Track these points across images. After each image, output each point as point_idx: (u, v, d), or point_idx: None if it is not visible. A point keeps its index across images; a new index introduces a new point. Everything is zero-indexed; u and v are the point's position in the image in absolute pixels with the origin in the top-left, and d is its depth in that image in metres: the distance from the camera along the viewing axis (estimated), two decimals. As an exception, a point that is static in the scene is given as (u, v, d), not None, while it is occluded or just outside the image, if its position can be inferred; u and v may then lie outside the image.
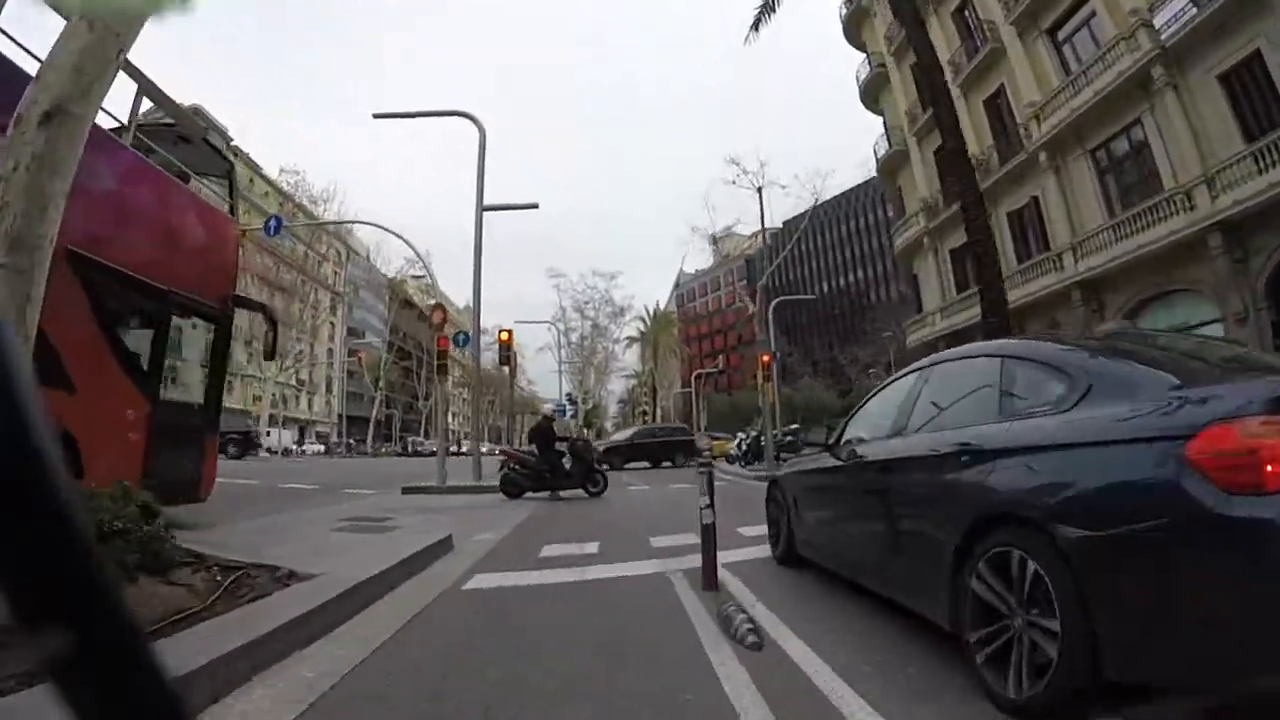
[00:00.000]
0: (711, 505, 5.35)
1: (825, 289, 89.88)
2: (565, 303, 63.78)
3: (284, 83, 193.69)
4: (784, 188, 29.01)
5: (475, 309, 17.53)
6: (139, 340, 8.23)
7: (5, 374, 0.37)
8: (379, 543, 6.88)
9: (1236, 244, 17.15)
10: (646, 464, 27.71)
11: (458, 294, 75.30)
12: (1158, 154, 19.41)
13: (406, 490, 15.25)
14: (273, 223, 21.48)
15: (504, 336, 19.35)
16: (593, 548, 7.17)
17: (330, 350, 78.97)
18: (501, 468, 14.28)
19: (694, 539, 5.85)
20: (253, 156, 62.00)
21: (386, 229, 20.77)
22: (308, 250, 66.59)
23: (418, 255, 17.51)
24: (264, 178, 61.61)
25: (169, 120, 10.12)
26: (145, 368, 8.15)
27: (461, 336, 20.60)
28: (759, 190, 23.21)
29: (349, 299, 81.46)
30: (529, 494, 13.77)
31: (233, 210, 10.43)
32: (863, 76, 33.99)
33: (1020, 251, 25.01)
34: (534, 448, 14.40)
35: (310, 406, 76.57)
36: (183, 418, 8.78)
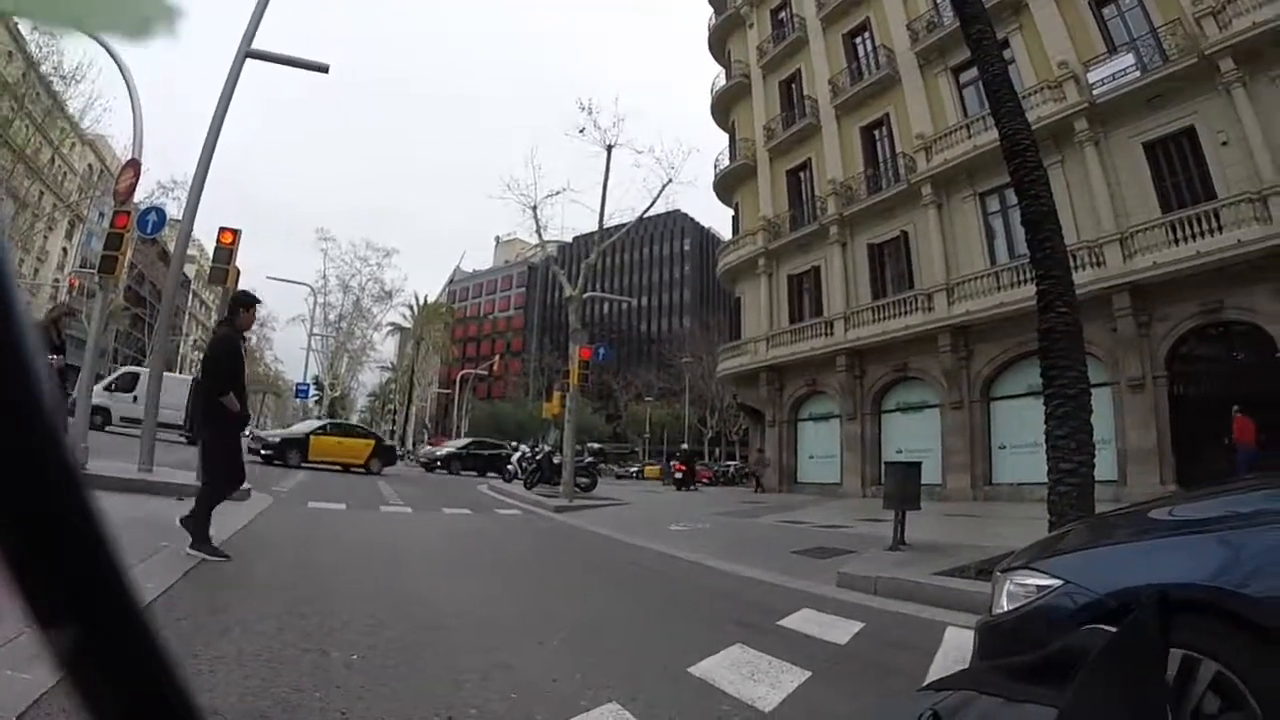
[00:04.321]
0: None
1: (606, 310, 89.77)
2: (330, 271, 58.66)
3: None
4: (639, 152, 26.99)
5: (198, 180, 12.79)
6: None
7: (18, 363, 0.36)
8: None
9: (1142, 309, 17.82)
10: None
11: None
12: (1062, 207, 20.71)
13: None
14: None
15: (226, 237, 13.38)
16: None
17: (57, 281, 67.54)
18: None
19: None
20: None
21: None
22: (55, 155, 55.38)
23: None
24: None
25: None
26: None
27: (154, 215, 13.68)
28: (609, 149, 20.96)
29: (91, 228, 69.33)
30: None
31: None
32: (719, 87, 34.31)
33: (877, 287, 25.64)
34: None
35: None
36: None
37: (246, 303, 6.97)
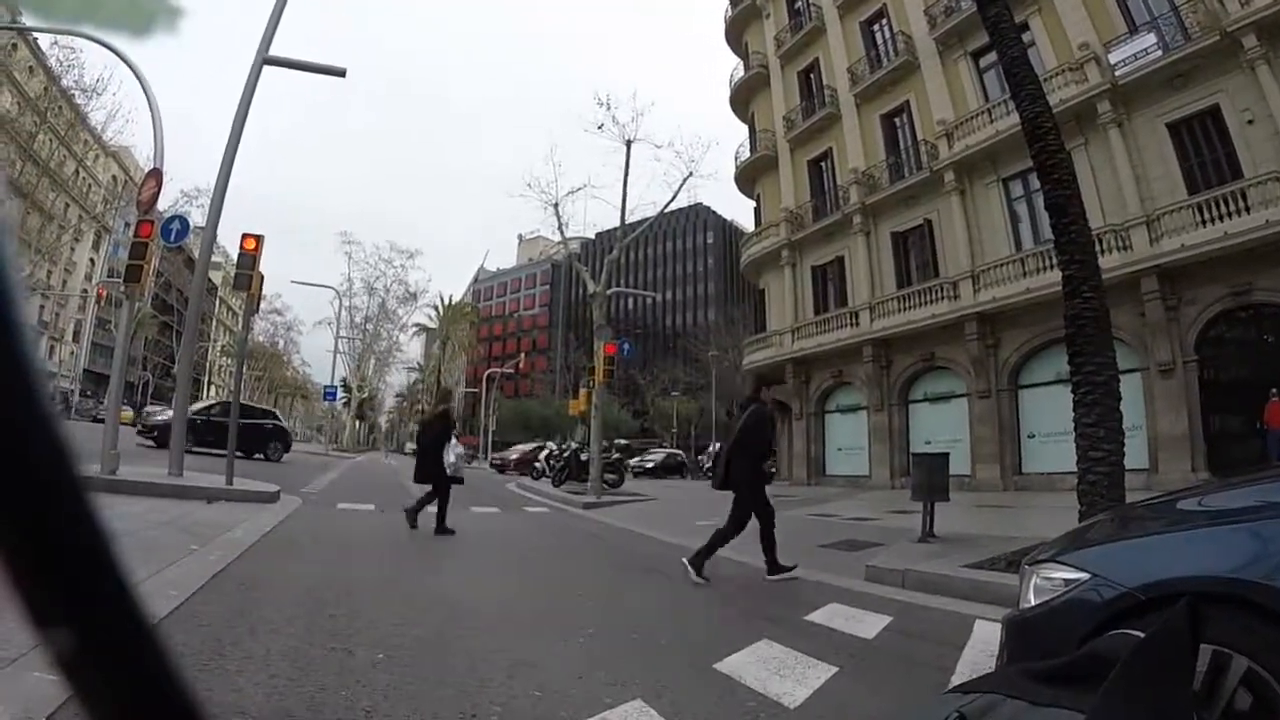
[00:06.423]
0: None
1: (631, 305, 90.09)
2: (355, 274, 59.32)
3: None
4: (658, 147, 26.77)
5: (220, 187, 12.83)
6: None
7: (17, 360, 0.35)
8: None
9: (1171, 292, 17.46)
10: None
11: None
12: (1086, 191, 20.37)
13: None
14: None
15: (249, 243, 13.13)
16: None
17: (85, 292, 68.48)
18: None
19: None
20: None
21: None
22: (79, 168, 56.20)
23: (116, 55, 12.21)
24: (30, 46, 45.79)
25: None
26: None
27: (177, 223, 13.66)
28: (628, 144, 20.74)
29: (117, 238, 70.17)
30: None
31: None
32: (737, 79, 34.17)
33: (902, 276, 25.36)
34: None
35: (51, 355, 63.88)
36: None
37: (767, 383, 8.54)
